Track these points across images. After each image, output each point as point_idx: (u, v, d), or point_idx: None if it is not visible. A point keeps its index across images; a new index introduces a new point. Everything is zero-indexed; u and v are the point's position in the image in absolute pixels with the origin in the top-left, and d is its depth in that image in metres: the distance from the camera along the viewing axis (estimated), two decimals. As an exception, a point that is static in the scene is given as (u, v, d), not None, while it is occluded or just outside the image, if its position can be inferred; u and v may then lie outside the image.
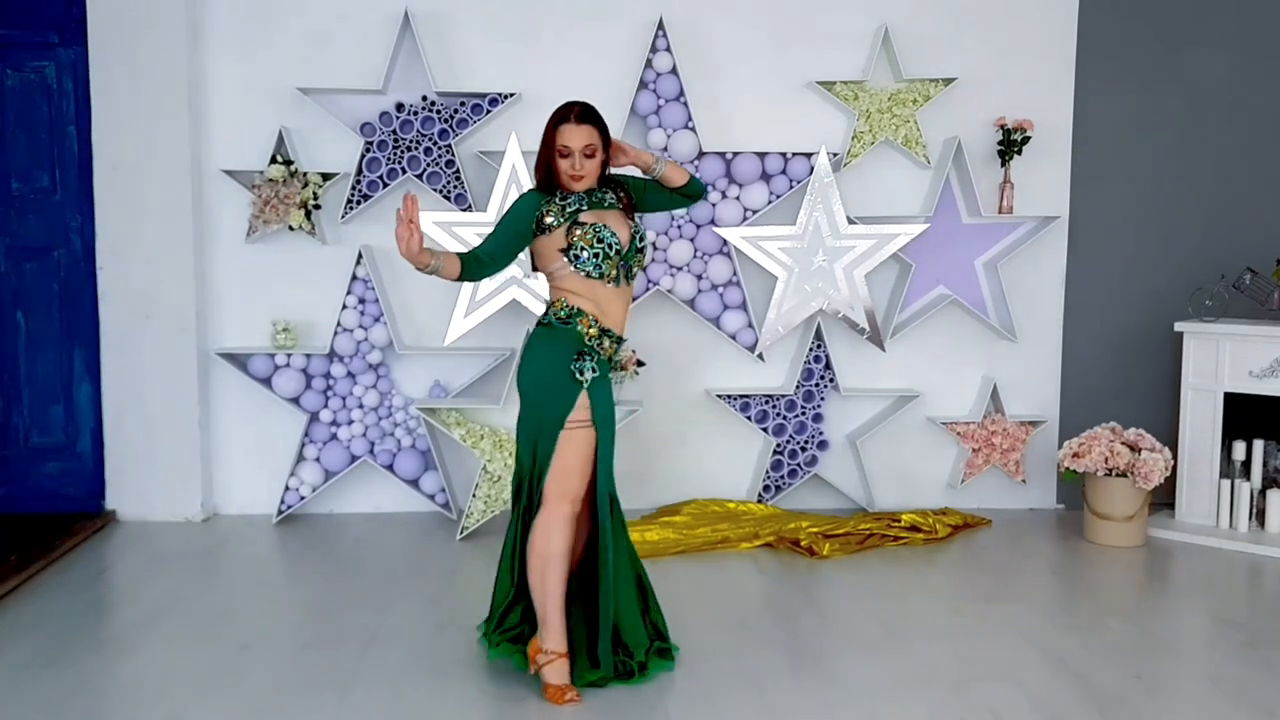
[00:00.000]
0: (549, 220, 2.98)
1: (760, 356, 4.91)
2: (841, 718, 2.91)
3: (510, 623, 3.18)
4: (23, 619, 3.57)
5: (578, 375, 2.95)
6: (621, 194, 3.12)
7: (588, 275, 2.98)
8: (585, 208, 3.02)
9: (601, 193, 3.08)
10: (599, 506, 3.04)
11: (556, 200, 3.01)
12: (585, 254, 2.96)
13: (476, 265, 2.98)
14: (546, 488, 2.98)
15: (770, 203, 4.82)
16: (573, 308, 3.01)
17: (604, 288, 3.02)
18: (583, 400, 2.96)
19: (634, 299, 4.75)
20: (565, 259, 2.98)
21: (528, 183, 4.44)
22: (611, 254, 2.99)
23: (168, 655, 3.28)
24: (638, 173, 3.17)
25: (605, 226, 3.00)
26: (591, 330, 3.00)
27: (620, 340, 3.07)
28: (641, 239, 3.11)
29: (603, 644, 3.02)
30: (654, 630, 3.23)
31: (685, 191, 3.17)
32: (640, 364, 4.64)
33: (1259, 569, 4.29)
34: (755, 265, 4.82)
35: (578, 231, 2.97)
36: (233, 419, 4.86)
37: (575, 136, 2.96)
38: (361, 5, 4.71)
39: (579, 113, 2.98)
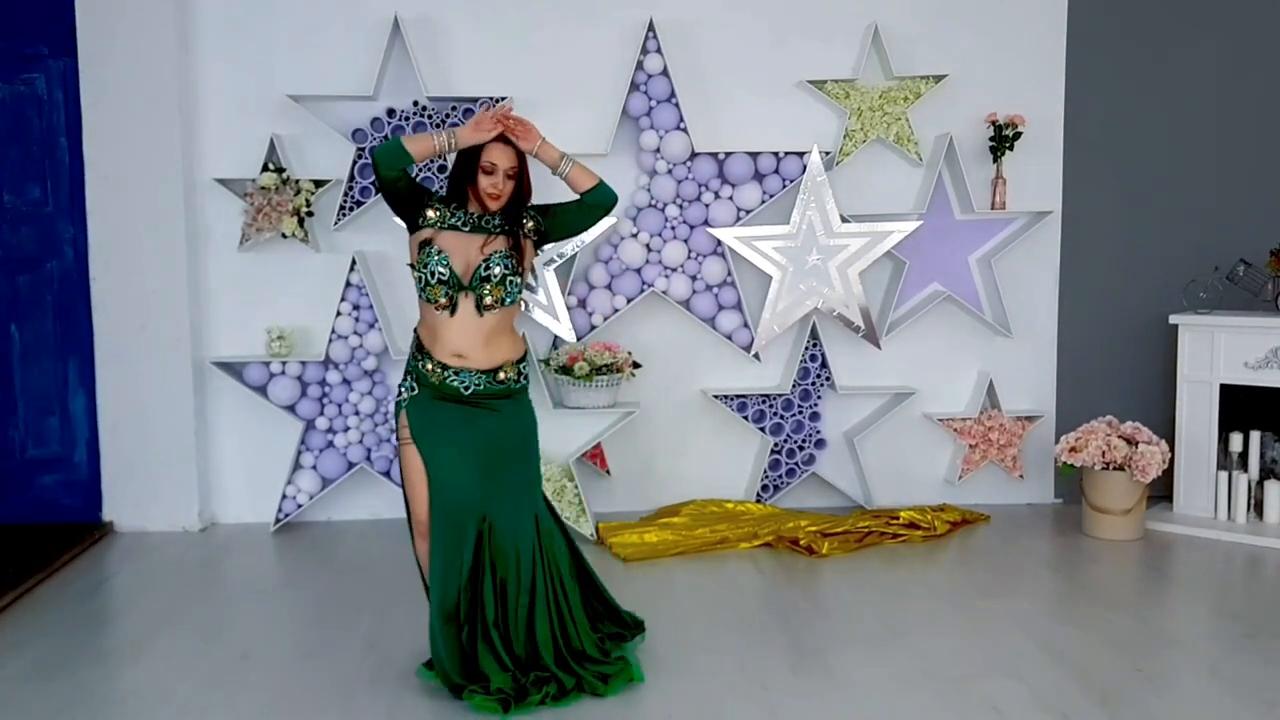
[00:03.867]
0: (431, 215, 2.93)
1: (756, 356, 4.91)
2: (844, 715, 2.91)
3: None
4: (21, 631, 3.56)
5: (396, 396, 2.99)
6: (528, 222, 3.00)
7: (419, 296, 2.96)
8: (461, 227, 2.93)
9: (493, 217, 2.96)
10: (434, 525, 2.97)
11: (450, 208, 2.94)
12: (413, 274, 2.94)
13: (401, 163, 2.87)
14: None
15: (763, 202, 4.82)
16: (416, 333, 3.04)
17: (439, 314, 2.93)
18: (403, 419, 2.99)
19: (628, 300, 4.76)
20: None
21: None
22: (434, 281, 2.88)
23: (167, 665, 3.27)
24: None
25: (441, 252, 2.88)
26: (417, 355, 2.99)
27: (457, 372, 2.91)
28: (490, 268, 2.89)
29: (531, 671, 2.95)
30: (612, 620, 3.23)
31: (594, 199, 3.03)
32: (636, 365, 4.65)
33: (1257, 560, 4.30)
34: (749, 265, 4.82)
35: (418, 250, 2.92)
36: (229, 428, 4.85)
37: (503, 155, 2.92)
38: (350, 11, 4.70)
39: (506, 139, 2.95)
